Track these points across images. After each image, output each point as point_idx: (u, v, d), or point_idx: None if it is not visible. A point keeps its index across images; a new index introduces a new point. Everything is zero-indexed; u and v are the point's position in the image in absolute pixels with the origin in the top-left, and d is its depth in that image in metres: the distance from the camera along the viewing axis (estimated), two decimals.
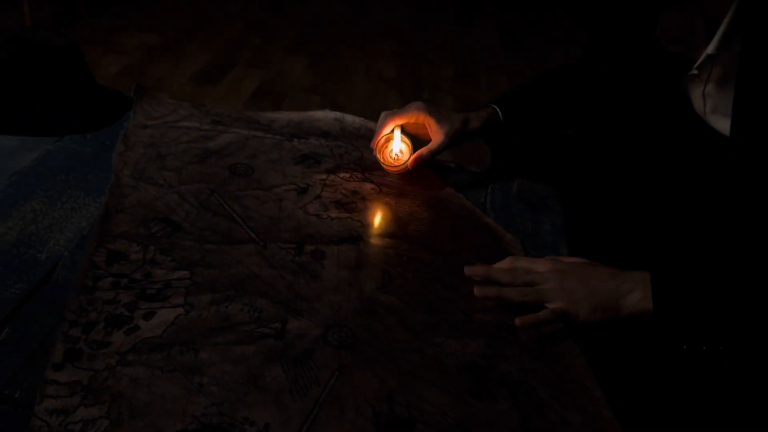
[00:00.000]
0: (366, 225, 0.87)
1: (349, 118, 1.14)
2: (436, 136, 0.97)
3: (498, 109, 1.02)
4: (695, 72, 0.82)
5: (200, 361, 0.63)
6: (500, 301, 0.75)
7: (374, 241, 0.84)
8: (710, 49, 0.77)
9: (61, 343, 0.62)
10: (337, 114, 1.14)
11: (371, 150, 1.02)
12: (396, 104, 1.09)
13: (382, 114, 0.99)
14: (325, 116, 1.14)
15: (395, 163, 0.99)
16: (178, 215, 0.82)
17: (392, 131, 0.97)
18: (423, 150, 0.97)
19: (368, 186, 0.95)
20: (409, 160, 0.97)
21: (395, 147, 0.98)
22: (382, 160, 0.98)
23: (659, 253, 0.90)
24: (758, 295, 0.70)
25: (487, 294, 0.76)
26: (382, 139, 0.98)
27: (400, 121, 0.97)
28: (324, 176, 0.96)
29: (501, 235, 0.91)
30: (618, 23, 0.94)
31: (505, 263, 0.78)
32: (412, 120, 0.98)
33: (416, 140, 0.99)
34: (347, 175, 0.97)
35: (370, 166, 1.01)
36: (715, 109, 0.83)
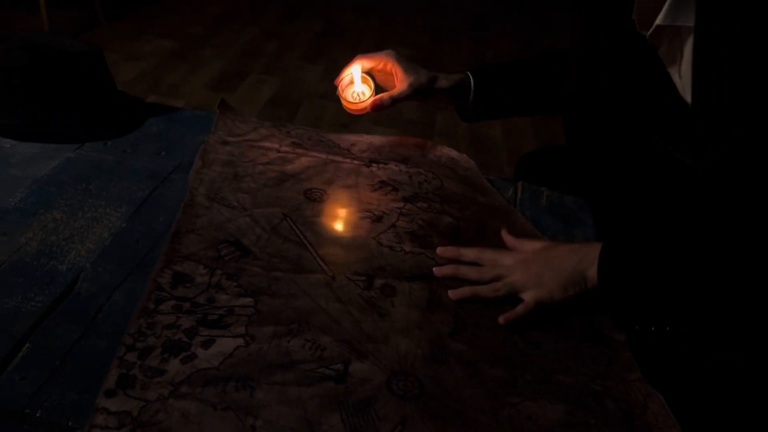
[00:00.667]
0: (441, 264, 0.82)
1: (431, 146, 1.09)
2: (401, 84, 0.98)
3: (471, 76, 1.02)
4: (662, 50, 0.77)
5: (256, 400, 0.59)
6: (475, 297, 0.75)
7: (449, 282, 0.79)
8: (659, 19, 0.72)
9: (116, 368, 0.60)
10: (419, 140, 1.10)
11: (451, 179, 0.97)
12: (413, 111, 1.11)
13: (356, 57, 1.00)
14: (406, 141, 1.10)
15: (356, 103, 1.00)
16: (248, 239, 0.80)
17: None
18: (384, 95, 0.98)
19: (446, 219, 0.90)
20: (368, 101, 0.98)
21: (356, 87, 0.99)
22: (343, 99, 1.00)
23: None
24: (708, 272, 0.70)
25: (462, 296, 0.75)
26: (347, 78, 0.99)
27: (367, 63, 0.99)
28: (401, 204, 0.92)
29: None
30: (597, 8, 0.88)
31: (471, 253, 0.80)
32: (380, 66, 0.99)
33: (382, 89, 1.00)
34: (425, 205, 0.92)
35: (450, 196, 0.95)
36: (688, 87, 0.75)
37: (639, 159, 0.86)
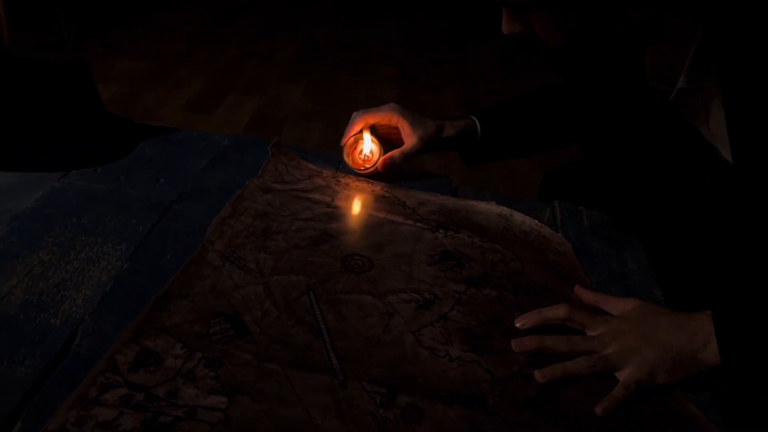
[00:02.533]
0: (497, 380, 0.60)
1: (519, 218, 0.88)
2: (409, 139, 0.93)
3: (477, 121, 0.98)
4: (685, 109, 0.77)
5: None
6: (567, 377, 0.62)
7: (502, 410, 0.57)
8: (681, 82, 0.72)
9: None
10: (505, 210, 0.89)
11: (536, 263, 0.77)
12: None
13: (354, 113, 0.94)
14: (488, 209, 0.89)
15: (364, 165, 0.93)
16: (252, 314, 0.63)
17: (362, 131, 0.92)
18: (395, 152, 0.92)
19: (517, 317, 0.68)
20: (379, 162, 0.91)
21: (365, 147, 0.92)
22: (350, 161, 0.93)
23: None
24: None
25: (553, 376, 0.61)
26: (352, 139, 0.92)
27: (371, 120, 0.93)
28: (462, 287, 0.71)
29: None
30: (604, 65, 0.89)
31: (561, 312, 0.67)
32: (385, 121, 0.94)
33: (388, 144, 0.94)
34: (494, 294, 0.71)
35: (528, 286, 0.74)
36: (723, 143, 0.73)
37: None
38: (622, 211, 0.94)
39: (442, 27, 4.38)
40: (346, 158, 0.93)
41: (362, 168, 0.93)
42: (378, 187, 0.90)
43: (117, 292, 0.63)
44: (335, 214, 0.82)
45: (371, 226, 0.80)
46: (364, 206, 0.84)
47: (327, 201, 0.84)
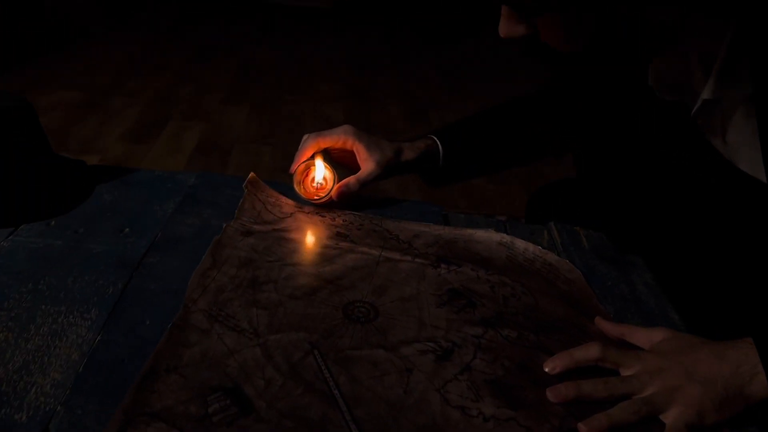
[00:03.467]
0: None
1: (521, 245, 0.82)
2: (366, 164, 0.85)
3: (438, 141, 0.91)
4: (701, 120, 0.72)
5: None
6: (613, 426, 0.55)
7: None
8: (706, 93, 0.67)
9: None
10: (505, 237, 0.83)
11: (548, 295, 0.71)
12: None
13: (305, 136, 0.85)
14: (487, 238, 0.83)
15: (317, 194, 0.85)
16: (253, 385, 0.54)
17: (313, 156, 0.84)
18: (350, 179, 0.84)
19: (544, 359, 0.62)
20: (333, 190, 0.83)
21: (317, 175, 0.85)
22: (302, 190, 0.85)
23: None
24: None
25: (601, 428, 0.55)
26: (303, 166, 0.84)
27: (324, 144, 0.85)
28: (480, 331, 0.65)
29: None
30: (604, 72, 0.85)
31: (593, 352, 0.61)
32: (339, 144, 0.86)
33: (343, 169, 0.86)
34: (514, 335, 0.65)
35: (548, 323, 0.68)
36: (744, 155, 0.69)
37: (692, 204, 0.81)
38: (620, 229, 0.90)
39: (382, 43, 4.35)
40: (296, 186, 0.84)
41: (315, 197, 0.85)
42: (367, 220, 0.83)
43: (92, 371, 0.54)
44: (327, 255, 0.74)
45: (368, 266, 0.73)
46: (356, 244, 0.77)
47: (314, 242, 0.76)
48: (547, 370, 0.61)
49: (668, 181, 0.83)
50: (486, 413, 0.55)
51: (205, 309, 0.62)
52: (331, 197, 0.84)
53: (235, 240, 0.74)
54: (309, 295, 0.67)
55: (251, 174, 0.85)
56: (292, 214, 0.82)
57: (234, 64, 3.59)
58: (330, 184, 0.84)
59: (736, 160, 0.70)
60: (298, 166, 0.84)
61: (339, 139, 0.85)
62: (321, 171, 0.84)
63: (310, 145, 0.84)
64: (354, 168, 0.87)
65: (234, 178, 0.86)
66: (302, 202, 0.85)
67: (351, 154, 0.87)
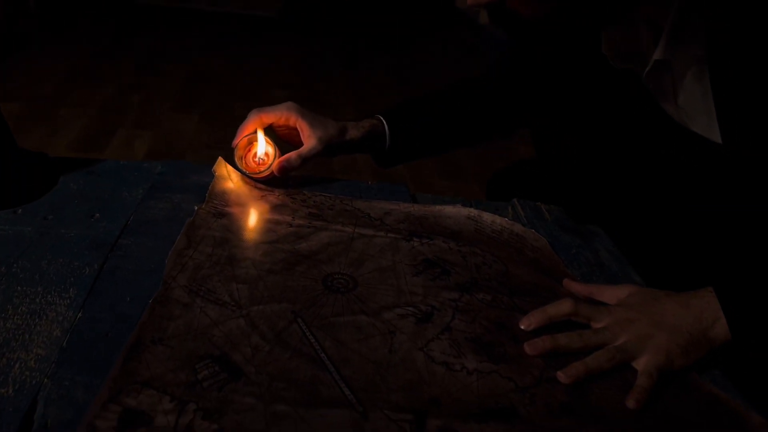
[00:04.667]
0: (523, 388, 0.56)
1: (488, 218, 0.85)
2: (309, 140, 0.85)
3: (384, 121, 0.92)
4: (652, 85, 0.75)
5: None
6: (590, 373, 0.59)
7: (539, 418, 0.53)
8: (657, 54, 0.70)
9: None
10: (472, 212, 0.85)
11: (518, 263, 0.74)
12: None
13: (251, 112, 0.86)
14: (456, 213, 0.85)
15: (258, 168, 0.85)
16: (241, 352, 0.55)
17: (256, 131, 0.84)
18: (292, 154, 0.84)
19: (519, 318, 0.65)
20: (274, 165, 0.83)
21: (259, 149, 0.84)
22: (243, 164, 0.85)
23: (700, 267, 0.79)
24: None
25: (577, 375, 0.58)
26: (245, 140, 0.84)
27: (267, 120, 0.85)
28: (456, 295, 0.67)
29: (743, 415, 0.57)
30: (557, 41, 0.88)
31: (565, 307, 0.64)
32: (282, 121, 0.86)
33: (287, 145, 0.87)
34: (488, 298, 0.67)
35: (520, 287, 0.70)
36: (696, 117, 0.73)
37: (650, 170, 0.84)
38: (579, 201, 0.93)
39: (331, 50, 4.37)
40: (238, 161, 0.84)
41: (256, 172, 0.84)
42: (337, 201, 0.84)
43: (76, 346, 0.53)
44: (301, 233, 0.75)
45: (343, 242, 0.74)
46: (329, 222, 0.78)
47: (288, 220, 0.77)
48: (523, 327, 0.63)
49: (623, 148, 0.87)
50: (469, 367, 0.57)
51: (185, 285, 0.62)
52: (272, 172, 0.83)
53: (209, 221, 0.74)
54: (287, 269, 0.68)
55: (219, 158, 0.86)
56: (262, 196, 0.82)
57: (182, 73, 3.53)
58: (271, 159, 0.84)
59: (689, 122, 0.74)
60: (239, 141, 0.84)
61: (282, 115, 0.85)
62: (262, 146, 0.84)
63: (252, 120, 0.84)
64: (299, 144, 0.86)
65: (201, 165, 0.86)
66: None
67: (296, 131, 0.87)
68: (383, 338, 0.59)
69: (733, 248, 0.76)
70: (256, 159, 0.85)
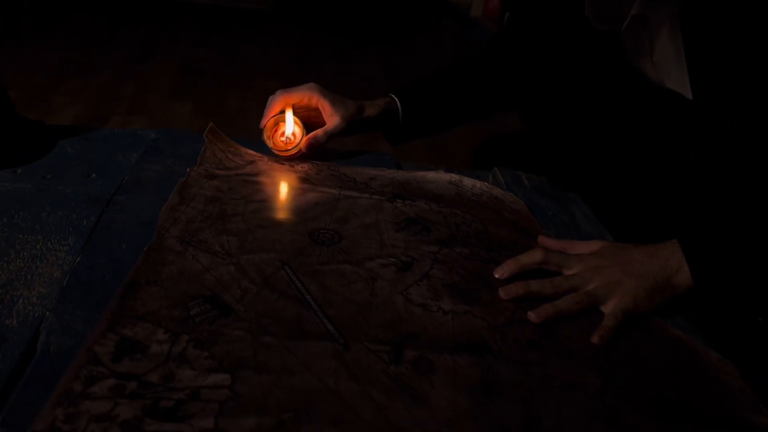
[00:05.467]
0: (495, 327, 0.60)
1: (468, 183, 0.89)
2: (332, 119, 0.90)
3: (397, 99, 0.96)
4: (629, 42, 0.80)
5: None
6: (559, 314, 0.63)
7: (508, 352, 0.57)
8: (634, 9, 0.74)
9: None
10: (454, 176, 0.89)
11: (496, 223, 0.78)
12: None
13: (271, 96, 0.90)
14: (437, 178, 0.89)
15: (286, 146, 0.88)
16: (231, 294, 0.58)
17: (283, 112, 0.88)
18: (318, 132, 0.89)
19: (494, 269, 0.69)
20: (302, 142, 0.87)
21: (287, 128, 0.88)
22: (272, 144, 0.88)
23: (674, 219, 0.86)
24: None
25: (547, 315, 0.62)
26: (272, 120, 0.88)
27: (291, 101, 0.89)
28: (435, 248, 0.71)
29: (701, 354, 0.62)
30: (543, 7, 0.93)
31: (537, 255, 0.68)
32: (305, 101, 0.90)
33: (306, 126, 0.90)
34: (466, 251, 0.71)
35: (497, 243, 0.74)
36: (670, 72, 0.77)
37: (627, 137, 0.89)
38: (559, 171, 0.97)
39: (323, 43, 4.39)
40: (267, 141, 0.88)
41: (284, 150, 0.88)
42: (324, 167, 0.88)
43: (76, 286, 0.57)
44: (289, 194, 0.78)
45: (329, 202, 0.78)
46: (316, 184, 0.81)
47: (276, 183, 0.80)
48: (497, 275, 0.67)
49: (604, 110, 0.91)
50: (445, 308, 0.61)
51: (178, 236, 0.66)
52: (300, 149, 0.87)
53: (200, 182, 0.77)
54: (275, 225, 0.71)
55: (210, 124, 0.89)
56: (252, 162, 0.86)
57: (175, 64, 3.55)
58: (299, 137, 0.88)
59: (664, 78, 0.78)
60: (267, 121, 0.88)
61: (305, 95, 0.89)
62: (291, 125, 0.88)
63: (277, 101, 0.88)
64: (316, 125, 0.90)
65: (194, 134, 0.90)
66: (272, 155, 0.88)
67: (315, 112, 0.91)
68: (365, 283, 0.63)
69: (700, 205, 0.80)
70: (283, 138, 0.89)
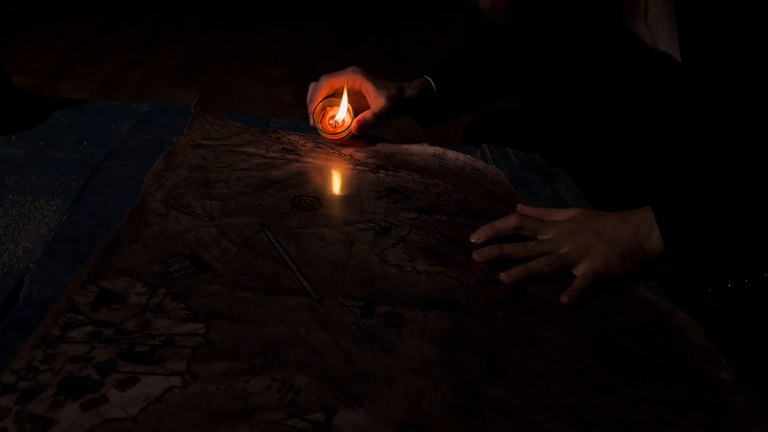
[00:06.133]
0: (467, 286, 0.61)
1: (452, 155, 0.90)
2: (377, 100, 0.89)
3: (431, 80, 0.96)
4: (627, 7, 0.82)
5: None
6: (530, 275, 0.65)
7: (478, 309, 0.58)
8: None
9: None
10: (438, 149, 0.91)
11: (477, 193, 0.79)
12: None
13: (313, 84, 0.90)
14: (422, 151, 0.91)
15: (335, 130, 0.88)
16: (210, 253, 0.60)
17: (329, 97, 0.89)
18: (366, 113, 0.88)
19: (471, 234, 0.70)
20: (353, 125, 0.87)
21: (340, 113, 0.88)
22: (321, 128, 0.88)
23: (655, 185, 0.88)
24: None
25: (518, 276, 0.64)
26: (320, 106, 0.88)
27: (336, 85, 0.89)
28: (414, 215, 0.72)
29: (669, 313, 0.63)
30: None
31: (512, 221, 0.70)
32: (348, 84, 0.90)
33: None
34: (445, 218, 0.73)
35: (476, 211, 0.76)
36: (663, 33, 0.79)
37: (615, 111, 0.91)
38: (550, 147, 0.99)
39: (328, 30, 4.40)
40: (317, 125, 0.88)
41: (334, 133, 0.88)
42: (310, 140, 0.89)
43: (61, 241, 0.59)
44: (273, 163, 0.80)
45: (311, 171, 0.79)
46: (300, 155, 0.83)
47: (261, 153, 0.82)
48: (473, 240, 0.69)
49: (600, 77, 0.92)
50: (419, 269, 0.63)
51: (162, 199, 0.67)
52: (350, 132, 0.88)
53: (186, 151, 0.79)
54: (257, 191, 0.73)
55: (198, 97, 0.90)
56: (239, 133, 0.87)
57: (180, 51, 3.58)
58: (348, 121, 0.88)
59: (656, 40, 0.79)
60: (316, 106, 0.88)
61: (349, 79, 0.89)
62: (344, 108, 0.88)
63: (323, 87, 0.88)
64: (359, 109, 0.90)
65: (187, 107, 0.91)
66: (323, 141, 0.89)
67: (356, 96, 0.91)
68: (343, 246, 0.65)
69: (678, 173, 0.82)
70: (332, 122, 0.89)
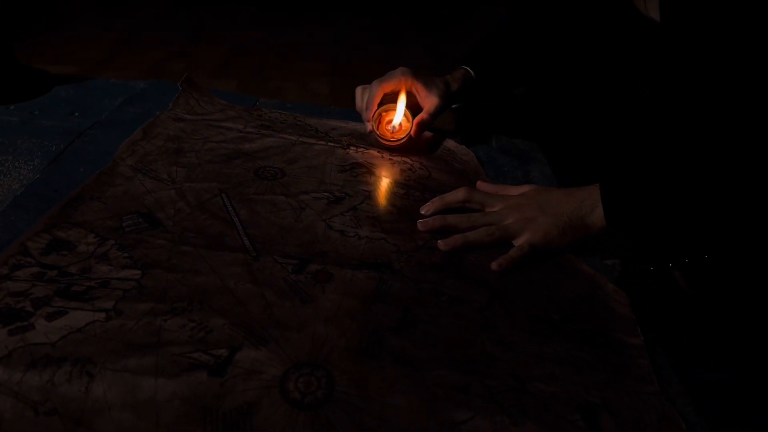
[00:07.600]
0: (403, 252, 0.64)
1: (426, 135, 0.92)
2: (429, 100, 0.90)
3: (470, 70, 0.97)
4: None
5: (91, 399, 0.42)
6: (467, 245, 0.67)
7: (408, 272, 0.61)
8: None
9: None
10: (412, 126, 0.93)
11: (442, 170, 0.81)
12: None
13: (360, 88, 0.92)
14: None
15: (394, 136, 0.88)
16: (164, 212, 0.65)
17: (386, 103, 0.89)
18: (422, 115, 0.88)
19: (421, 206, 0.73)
20: (410, 128, 0.86)
21: (396, 118, 0.87)
22: (380, 135, 0.87)
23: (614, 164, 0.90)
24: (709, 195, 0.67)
25: (454, 245, 0.66)
26: (377, 113, 0.87)
27: (388, 89, 0.89)
28: (371, 187, 0.75)
29: (602, 285, 0.64)
30: None
31: (461, 194, 0.72)
32: (399, 86, 0.89)
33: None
34: (402, 192, 0.75)
35: (435, 187, 0.78)
36: (653, 3, 0.79)
37: (596, 98, 0.93)
38: (540, 134, 1.00)
39: (370, 27, 4.45)
40: (376, 131, 0.87)
41: (392, 140, 0.87)
42: (290, 118, 0.93)
43: (29, 196, 0.64)
44: (248, 137, 0.84)
45: (284, 146, 0.83)
46: (276, 131, 0.87)
47: (239, 128, 0.87)
48: (422, 212, 0.71)
49: (593, 50, 0.93)
50: (361, 234, 0.66)
51: (132, 165, 0.72)
52: (410, 136, 0.87)
53: (167, 123, 0.84)
54: (225, 161, 0.77)
55: (186, 74, 0.95)
56: (222, 110, 0.92)
57: (224, 44, 3.70)
58: (409, 124, 0.87)
59: (648, 5, 0.79)
60: (373, 114, 0.87)
61: (399, 81, 0.90)
62: (401, 114, 0.87)
63: (377, 93, 0.88)
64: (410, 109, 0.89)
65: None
66: (382, 148, 0.88)
67: (410, 93, 0.90)
68: (294, 212, 0.68)
69: (637, 150, 0.82)
70: (389, 127, 0.88)
